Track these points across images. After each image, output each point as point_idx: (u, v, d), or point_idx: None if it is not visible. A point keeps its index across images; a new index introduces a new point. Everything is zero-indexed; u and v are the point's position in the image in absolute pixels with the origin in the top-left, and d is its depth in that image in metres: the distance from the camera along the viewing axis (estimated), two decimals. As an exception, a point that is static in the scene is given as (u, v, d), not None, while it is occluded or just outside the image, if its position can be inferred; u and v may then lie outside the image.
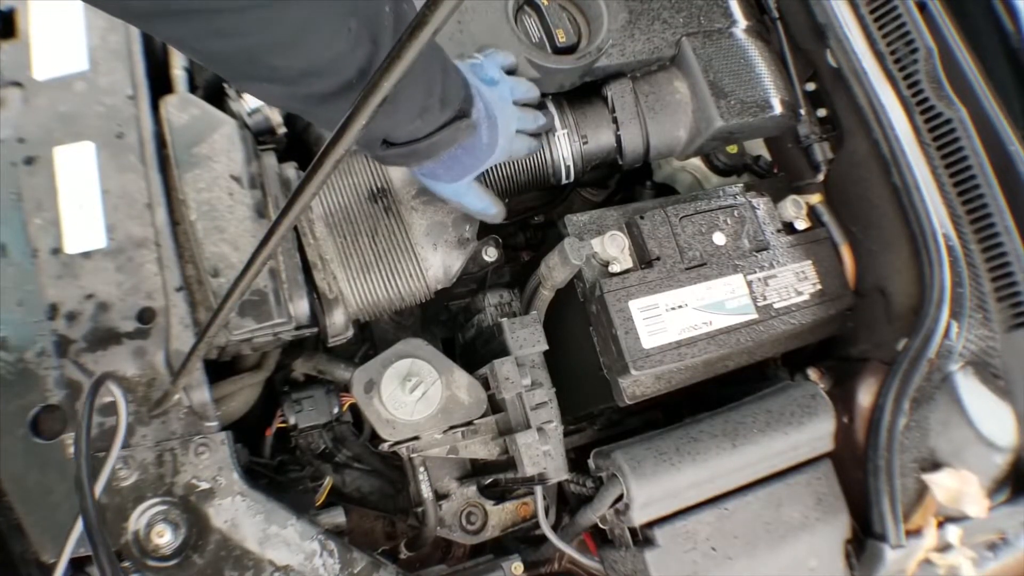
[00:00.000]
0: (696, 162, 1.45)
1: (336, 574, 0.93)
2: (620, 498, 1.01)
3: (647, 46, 1.16)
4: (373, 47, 0.73)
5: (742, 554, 1.03)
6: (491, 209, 1.06)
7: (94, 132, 0.99)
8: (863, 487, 1.10)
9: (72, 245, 0.95)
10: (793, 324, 1.12)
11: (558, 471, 1.04)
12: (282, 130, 1.12)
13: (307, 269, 1.03)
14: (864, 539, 1.09)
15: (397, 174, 1.09)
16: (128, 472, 0.89)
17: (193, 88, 1.12)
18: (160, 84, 1.06)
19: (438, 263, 1.07)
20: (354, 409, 1.22)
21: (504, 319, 1.05)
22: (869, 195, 1.18)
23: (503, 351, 1.04)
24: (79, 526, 0.73)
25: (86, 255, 0.95)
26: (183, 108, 1.01)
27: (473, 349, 1.25)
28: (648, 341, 1.02)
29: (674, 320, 1.04)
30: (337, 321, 1.04)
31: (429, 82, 0.83)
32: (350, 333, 1.07)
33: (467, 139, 0.93)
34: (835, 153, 1.24)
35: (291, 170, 1.07)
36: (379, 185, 1.08)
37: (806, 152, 1.26)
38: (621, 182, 1.49)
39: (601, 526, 1.08)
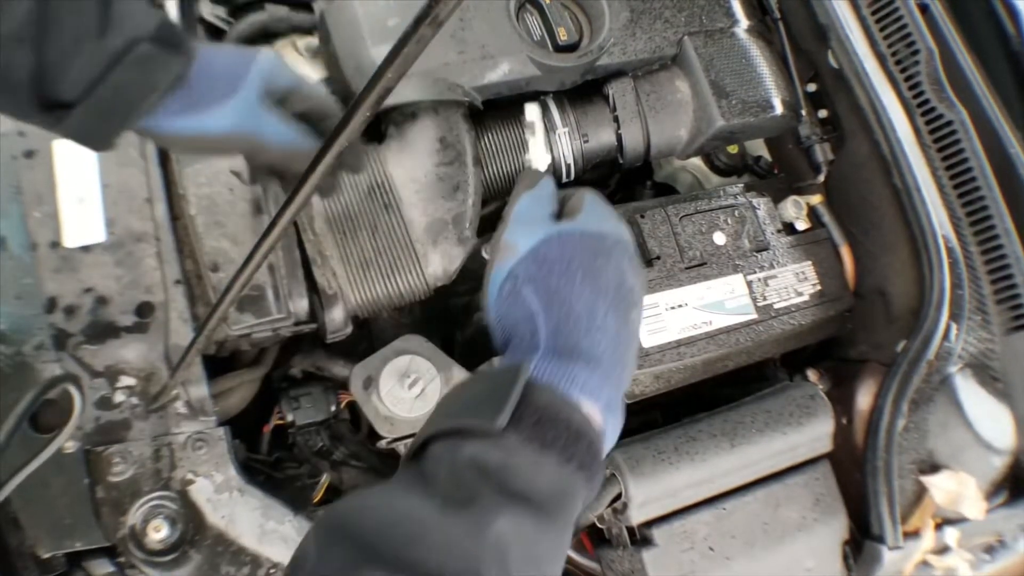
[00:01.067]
0: (696, 162, 1.45)
1: (333, 571, 0.93)
2: (618, 497, 1.01)
3: (649, 45, 1.16)
4: None
5: (740, 554, 1.03)
6: (294, 139, 0.73)
7: (94, 126, 0.99)
8: (861, 488, 1.10)
9: (71, 239, 0.95)
10: (793, 325, 1.12)
11: (556, 469, 1.03)
12: (283, 126, 1.12)
13: (306, 265, 1.03)
14: (862, 540, 1.09)
15: (398, 170, 1.09)
16: (125, 467, 0.89)
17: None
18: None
19: (438, 260, 1.07)
20: (352, 406, 1.22)
21: (503, 317, 1.05)
22: (869, 196, 1.18)
23: (502, 349, 1.04)
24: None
25: (85, 249, 0.94)
26: (184, 103, 1.01)
27: (472, 347, 1.25)
28: (648, 340, 1.02)
29: (674, 319, 1.04)
30: (336, 317, 1.04)
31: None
32: (349, 330, 1.07)
33: (177, 72, 0.66)
34: (836, 154, 1.24)
35: (291, 166, 1.07)
36: (379, 181, 1.08)
37: (807, 153, 1.26)
38: (621, 181, 1.48)
39: (599, 525, 1.07)
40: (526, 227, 0.66)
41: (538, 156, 1.03)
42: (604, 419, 0.59)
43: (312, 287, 1.03)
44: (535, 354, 0.59)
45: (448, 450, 0.54)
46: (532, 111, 0.96)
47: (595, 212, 0.69)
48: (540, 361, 0.59)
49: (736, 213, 1.14)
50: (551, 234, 0.65)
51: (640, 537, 1.03)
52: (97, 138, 0.68)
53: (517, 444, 0.53)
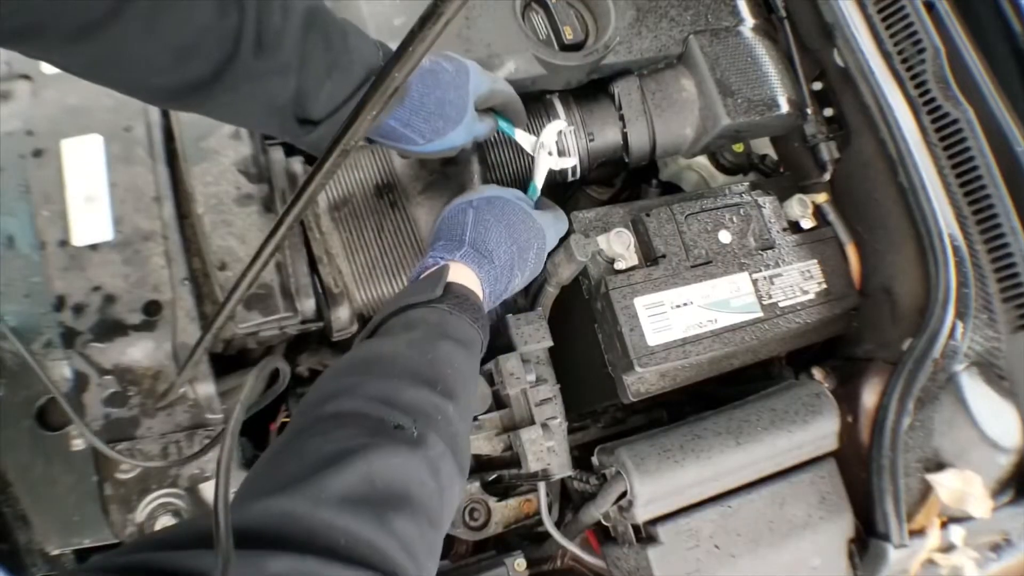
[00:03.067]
0: (702, 160, 1.45)
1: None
2: (624, 495, 1.01)
3: (654, 44, 1.16)
4: (240, 15, 0.70)
5: (745, 552, 1.03)
6: (490, 131, 0.99)
7: (102, 125, 0.99)
8: (867, 486, 1.09)
9: (79, 237, 0.95)
10: (798, 323, 1.12)
11: (562, 467, 1.04)
12: (289, 125, 1.12)
13: (313, 263, 1.03)
14: (867, 538, 1.09)
15: (403, 169, 1.09)
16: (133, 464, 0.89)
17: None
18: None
19: (443, 259, 1.07)
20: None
21: (509, 315, 1.05)
22: (875, 195, 1.18)
23: (508, 347, 1.04)
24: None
25: (93, 247, 0.95)
26: (191, 102, 1.01)
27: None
28: (653, 338, 1.02)
29: (679, 318, 1.04)
30: (342, 316, 1.04)
31: (326, 33, 0.78)
32: (354, 328, 1.07)
33: (405, 92, 0.85)
34: (841, 152, 1.24)
35: (298, 164, 1.08)
36: (385, 180, 1.08)
37: (812, 151, 1.26)
38: (627, 180, 1.49)
39: (604, 523, 1.08)
40: (491, 187, 0.97)
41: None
42: (486, 291, 0.89)
43: (318, 285, 1.03)
44: (459, 250, 0.87)
45: (401, 318, 0.80)
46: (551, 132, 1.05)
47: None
48: (463, 255, 0.87)
49: (742, 211, 1.14)
50: (505, 194, 0.95)
51: (645, 535, 1.03)
52: None
53: (446, 310, 0.80)
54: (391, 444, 0.62)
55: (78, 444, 0.90)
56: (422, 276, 0.87)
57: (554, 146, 1.07)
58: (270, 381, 1.14)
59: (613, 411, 1.32)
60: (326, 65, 0.77)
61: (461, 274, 0.86)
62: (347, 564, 0.52)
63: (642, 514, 1.01)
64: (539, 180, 1.04)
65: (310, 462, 0.59)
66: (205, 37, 0.69)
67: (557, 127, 1.08)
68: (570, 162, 1.11)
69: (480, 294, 0.87)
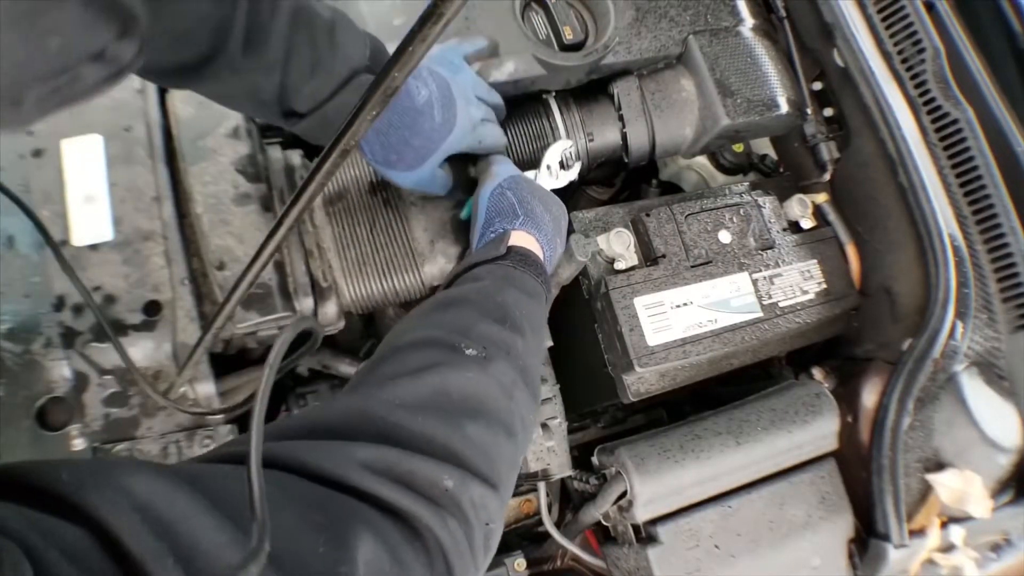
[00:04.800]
0: (702, 160, 1.45)
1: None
2: (623, 495, 1.01)
3: (654, 44, 1.16)
4: (232, 7, 0.73)
5: (745, 552, 1.03)
6: (445, 190, 1.01)
7: (102, 125, 0.99)
8: (867, 486, 1.10)
9: (79, 237, 0.95)
10: (798, 323, 1.12)
11: (562, 467, 1.04)
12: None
13: (304, 257, 1.03)
14: (867, 538, 1.09)
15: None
16: (133, 464, 0.89)
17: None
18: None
19: (435, 259, 1.07)
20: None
21: (509, 315, 1.05)
22: (875, 195, 1.18)
23: (508, 347, 1.04)
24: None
25: (93, 247, 0.95)
26: (189, 101, 1.02)
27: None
28: (653, 338, 1.02)
29: (679, 317, 1.04)
30: (329, 311, 1.04)
31: (312, 32, 0.80)
32: (341, 324, 1.07)
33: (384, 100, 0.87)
34: (841, 152, 1.24)
35: (296, 157, 1.07)
36: (380, 178, 1.08)
37: (812, 151, 1.26)
38: (627, 180, 1.49)
39: (604, 523, 1.08)
40: (504, 165, 1.00)
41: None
42: (546, 254, 0.93)
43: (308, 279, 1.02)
44: (517, 220, 0.92)
45: (468, 274, 0.86)
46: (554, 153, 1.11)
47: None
48: (521, 223, 0.92)
49: (741, 211, 1.14)
50: (517, 172, 1.00)
51: (645, 535, 1.03)
52: (318, 139, 0.88)
53: (510, 265, 0.86)
54: (464, 363, 0.68)
55: (78, 444, 0.90)
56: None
57: (556, 164, 1.10)
58: (300, 341, 1.13)
59: (613, 411, 1.32)
60: (310, 64, 0.80)
61: (522, 239, 0.91)
62: (427, 457, 0.57)
63: (642, 514, 1.01)
64: None
65: (386, 378, 0.65)
66: (201, 25, 0.72)
67: (561, 147, 1.08)
68: (570, 177, 1.11)
69: (541, 256, 0.92)
